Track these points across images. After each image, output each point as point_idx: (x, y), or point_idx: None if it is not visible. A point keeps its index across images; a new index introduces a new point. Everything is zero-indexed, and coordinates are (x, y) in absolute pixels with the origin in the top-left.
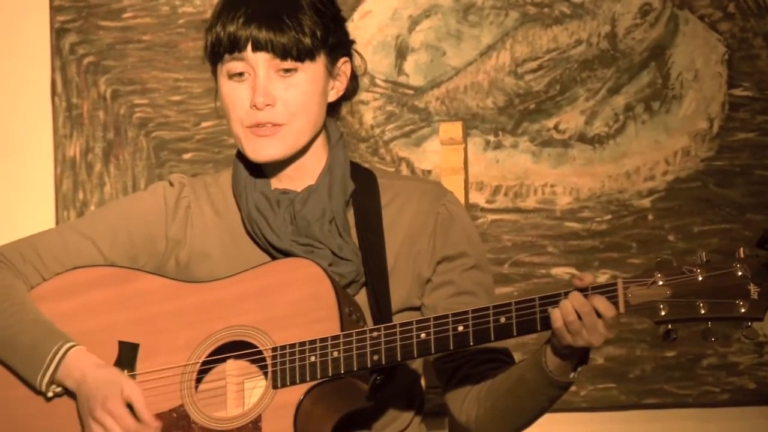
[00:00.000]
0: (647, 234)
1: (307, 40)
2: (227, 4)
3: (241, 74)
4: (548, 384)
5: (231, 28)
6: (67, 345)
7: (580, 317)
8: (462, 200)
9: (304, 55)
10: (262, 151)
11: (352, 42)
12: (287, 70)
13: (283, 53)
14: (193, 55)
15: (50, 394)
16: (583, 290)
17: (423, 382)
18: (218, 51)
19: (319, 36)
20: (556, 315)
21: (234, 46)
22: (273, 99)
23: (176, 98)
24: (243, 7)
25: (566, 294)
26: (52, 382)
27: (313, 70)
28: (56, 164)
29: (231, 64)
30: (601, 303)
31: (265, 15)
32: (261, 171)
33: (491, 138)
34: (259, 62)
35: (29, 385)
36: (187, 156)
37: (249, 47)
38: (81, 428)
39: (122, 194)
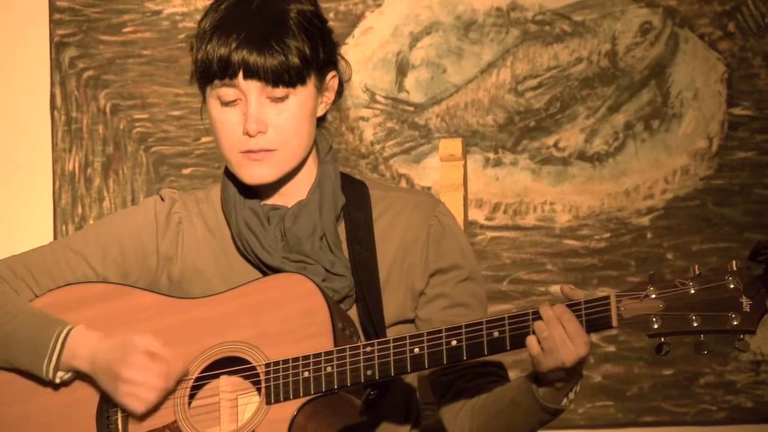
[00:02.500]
0: (646, 252)
1: (298, 65)
2: (217, 27)
3: (233, 101)
4: (539, 409)
5: (222, 52)
6: (68, 327)
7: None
8: (461, 217)
9: (295, 80)
10: (255, 173)
11: (336, 46)
12: (279, 97)
13: (274, 81)
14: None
15: (58, 380)
16: (575, 305)
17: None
18: (208, 75)
19: (309, 58)
20: (532, 342)
21: (225, 73)
22: (265, 126)
23: (176, 113)
24: (234, 33)
25: None
26: (58, 368)
27: (304, 93)
28: (55, 178)
29: (222, 90)
30: (568, 320)
31: (256, 41)
32: (250, 187)
33: (491, 155)
34: (250, 89)
35: (42, 396)
36: (186, 171)
37: (240, 74)
38: (97, 418)
39: (121, 209)
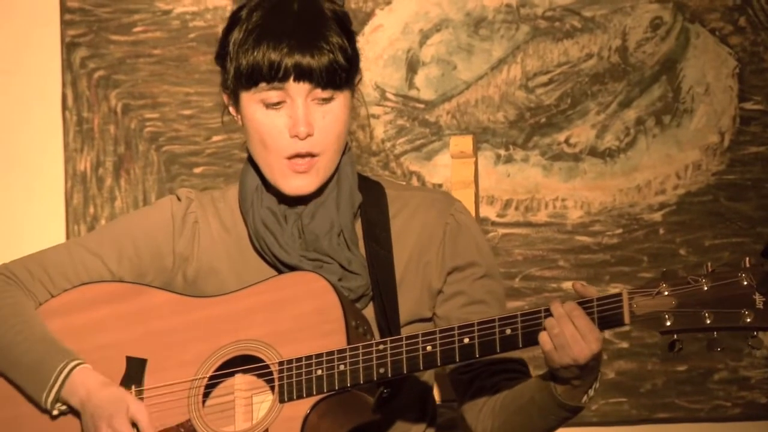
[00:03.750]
0: (658, 248)
1: (345, 65)
2: (263, 33)
3: (277, 103)
4: (558, 407)
5: (274, 57)
6: (73, 363)
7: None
8: (472, 214)
9: (344, 82)
10: (296, 185)
11: None
12: (325, 99)
13: (324, 83)
14: (204, 69)
15: (55, 412)
16: (587, 302)
17: (437, 395)
18: (254, 79)
19: (353, 62)
20: (544, 338)
21: (275, 76)
22: (313, 128)
23: (187, 112)
24: (284, 38)
25: None
26: (57, 400)
27: (347, 95)
28: (67, 178)
29: (268, 93)
30: (578, 316)
31: (305, 43)
32: (267, 186)
33: (502, 152)
34: (299, 92)
35: (35, 403)
36: (197, 170)
37: (292, 78)
38: None
39: (133, 208)
